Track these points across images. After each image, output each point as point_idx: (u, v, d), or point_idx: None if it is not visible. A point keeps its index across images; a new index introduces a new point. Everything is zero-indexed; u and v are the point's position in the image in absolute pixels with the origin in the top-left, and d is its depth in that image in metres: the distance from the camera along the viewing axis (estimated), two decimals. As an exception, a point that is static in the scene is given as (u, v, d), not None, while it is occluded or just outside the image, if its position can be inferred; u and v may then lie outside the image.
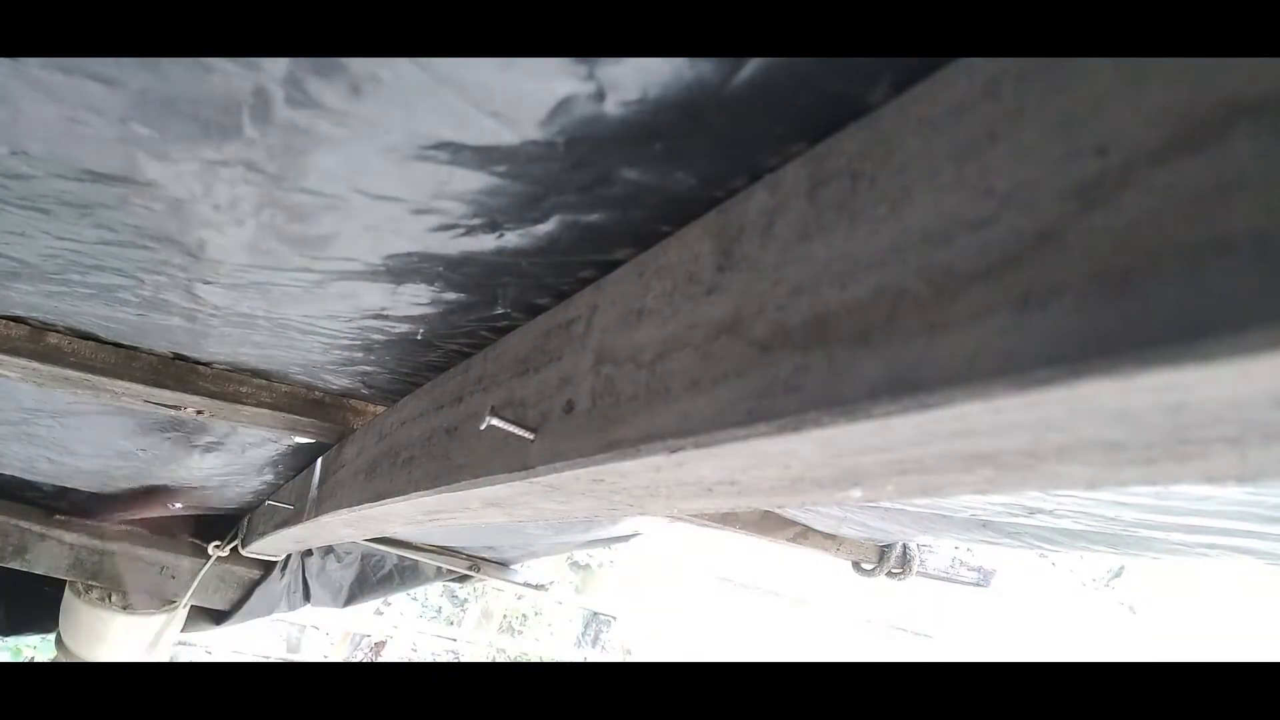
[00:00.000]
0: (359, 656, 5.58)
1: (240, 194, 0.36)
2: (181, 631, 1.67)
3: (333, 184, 0.35)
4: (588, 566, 7.09)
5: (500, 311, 0.48)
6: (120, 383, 0.71)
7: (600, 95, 0.27)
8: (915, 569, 1.29)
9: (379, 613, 5.55)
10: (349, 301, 0.50)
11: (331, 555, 1.60)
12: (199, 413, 0.77)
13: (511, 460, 0.42)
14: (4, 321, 0.67)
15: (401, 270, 0.44)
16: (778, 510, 1.16)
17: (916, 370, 0.21)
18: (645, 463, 0.32)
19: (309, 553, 1.57)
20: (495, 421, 0.42)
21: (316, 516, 0.85)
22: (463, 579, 1.67)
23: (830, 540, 1.24)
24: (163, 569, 1.55)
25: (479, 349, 0.55)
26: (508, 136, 0.30)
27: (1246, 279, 0.14)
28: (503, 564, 1.64)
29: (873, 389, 0.22)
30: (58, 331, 0.68)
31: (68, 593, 1.56)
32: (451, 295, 0.47)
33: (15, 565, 1.48)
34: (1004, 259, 0.19)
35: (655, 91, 0.27)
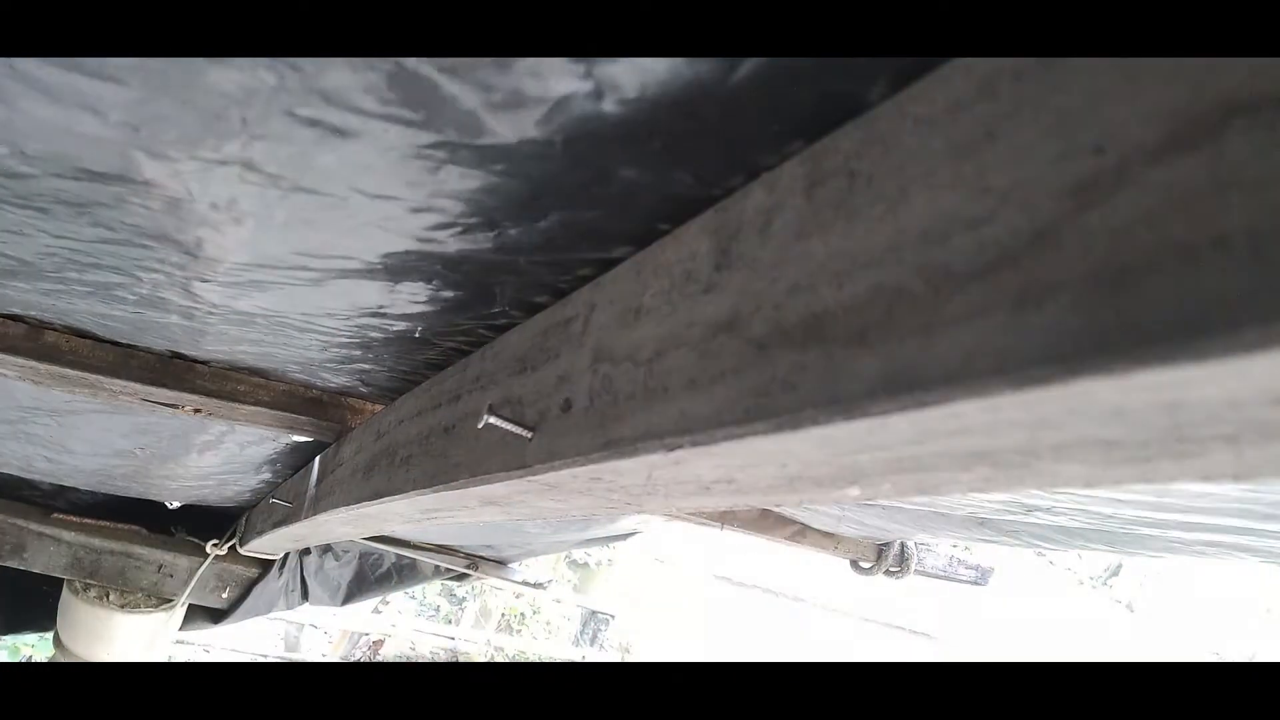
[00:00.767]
0: (357, 655, 5.58)
1: (238, 193, 0.36)
2: (179, 630, 1.67)
3: (331, 183, 0.35)
4: (586, 565, 7.09)
5: (498, 310, 0.48)
6: (118, 381, 0.71)
7: (598, 94, 0.27)
8: (913, 567, 1.30)
9: (377, 611, 5.55)
10: (347, 300, 0.50)
11: (330, 554, 1.60)
12: (196, 411, 0.77)
13: (509, 459, 0.42)
14: (1, 320, 0.67)
15: (399, 269, 0.44)
16: (776, 509, 1.16)
17: (913, 369, 0.21)
18: (643, 461, 0.32)
19: (307, 551, 1.57)
20: (493, 420, 0.42)
21: (314, 515, 0.85)
22: (461, 577, 1.67)
23: (828, 539, 1.24)
24: (160, 567, 1.55)
25: (477, 347, 0.55)
26: (506, 135, 0.30)
27: (1242, 277, 0.14)
28: (501, 562, 1.64)
29: (870, 388, 0.22)
30: (55, 330, 0.68)
31: (65, 591, 1.56)
32: (449, 293, 0.47)
33: (13, 564, 1.48)
34: (1001, 258, 0.19)
35: (653, 90, 0.27)
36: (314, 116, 0.30)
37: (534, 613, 6.62)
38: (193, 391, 0.73)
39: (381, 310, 0.51)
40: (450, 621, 6.20)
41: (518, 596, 6.27)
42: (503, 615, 6.55)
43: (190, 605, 1.60)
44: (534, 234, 0.38)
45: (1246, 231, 0.15)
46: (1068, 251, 0.18)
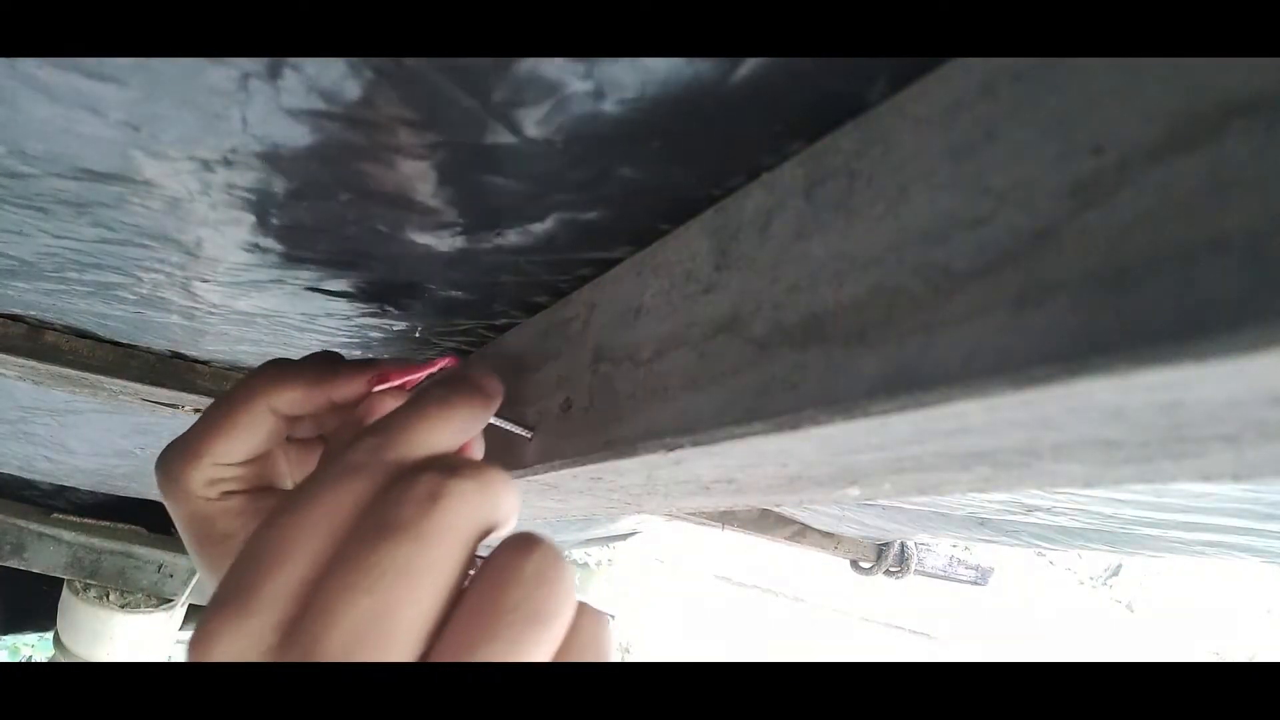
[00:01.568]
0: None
1: (237, 193, 0.36)
2: (179, 630, 1.67)
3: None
4: (586, 565, 7.09)
5: (498, 310, 0.48)
6: (118, 381, 0.71)
7: (599, 94, 0.27)
8: (913, 567, 1.30)
9: (377, 611, 5.53)
10: (346, 300, 0.50)
11: (330, 554, 1.60)
12: (196, 411, 0.77)
13: (509, 459, 0.42)
14: (1, 320, 0.66)
15: (399, 269, 0.44)
16: (776, 508, 1.16)
17: (913, 368, 0.21)
18: (643, 461, 0.32)
19: (307, 551, 1.57)
20: (493, 420, 0.42)
21: (315, 515, 0.85)
22: (461, 577, 1.66)
23: (828, 538, 1.25)
24: (160, 567, 1.55)
25: (477, 347, 0.55)
26: (506, 135, 0.30)
27: (1242, 278, 0.14)
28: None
29: (870, 387, 0.22)
30: (55, 330, 0.68)
31: (65, 591, 1.56)
32: (449, 294, 0.47)
33: (13, 564, 1.48)
34: (1001, 257, 0.19)
35: (653, 90, 0.27)
36: (315, 116, 0.30)
37: (534, 613, 6.60)
38: (193, 391, 0.73)
39: (381, 310, 0.51)
40: (450, 621, 6.17)
41: (518, 596, 6.24)
42: (503, 615, 6.52)
43: (190, 605, 1.59)
44: (534, 233, 0.38)
45: (1246, 232, 0.15)
46: (1068, 251, 0.18)
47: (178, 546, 1.56)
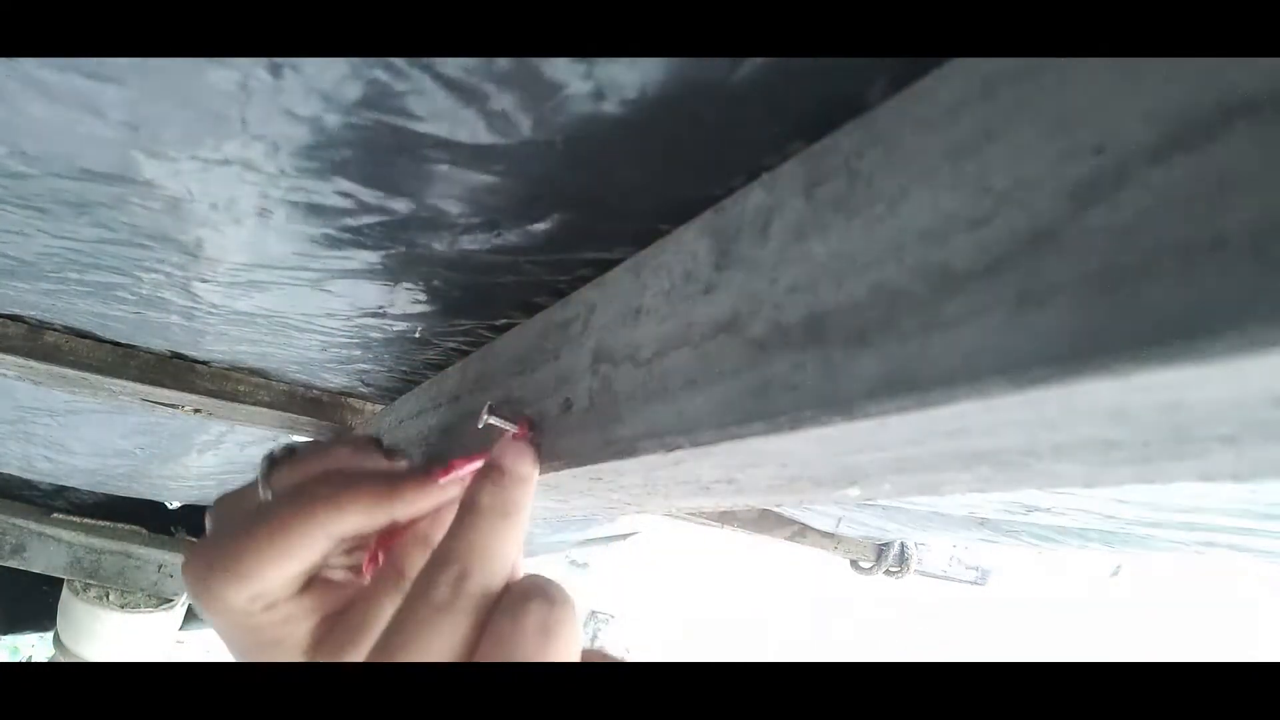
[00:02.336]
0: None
1: (237, 193, 0.36)
2: (179, 630, 1.67)
3: (330, 182, 0.35)
4: (586, 565, 7.09)
5: (498, 310, 0.48)
6: (118, 381, 0.71)
7: (598, 94, 0.27)
8: (913, 567, 1.30)
9: (377, 611, 5.53)
10: (347, 300, 0.50)
11: (330, 554, 1.60)
12: (196, 411, 0.77)
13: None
14: (1, 320, 0.66)
15: (399, 269, 0.44)
16: (776, 509, 1.16)
17: (913, 369, 0.21)
18: (643, 461, 0.32)
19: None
20: (493, 420, 0.42)
21: (314, 515, 0.85)
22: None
23: (828, 539, 1.24)
24: (160, 567, 1.55)
25: (477, 347, 0.55)
26: (506, 135, 0.30)
27: (1242, 278, 0.14)
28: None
29: (870, 388, 0.22)
30: (55, 330, 0.68)
31: (65, 591, 1.56)
32: (449, 294, 0.47)
33: (13, 564, 1.48)
34: (1001, 258, 0.19)
35: (653, 90, 0.27)
36: (314, 117, 0.30)
37: (534, 613, 6.59)
38: (193, 391, 0.73)
39: (382, 310, 0.51)
40: (450, 621, 6.17)
41: (518, 596, 6.24)
42: (503, 615, 6.52)
43: (190, 605, 1.59)
44: (534, 234, 0.38)
45: (1246, 232, 0.15)
46: (1068, 251, 0.18)
47: (178, 546, 1.56)
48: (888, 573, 1.30)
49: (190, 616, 1.67)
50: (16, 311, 0.65)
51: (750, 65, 0.26)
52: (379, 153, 0.32)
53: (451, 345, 0.56)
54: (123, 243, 0.44)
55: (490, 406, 0.44)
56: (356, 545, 0.41)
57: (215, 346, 0.68)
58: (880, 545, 1.29)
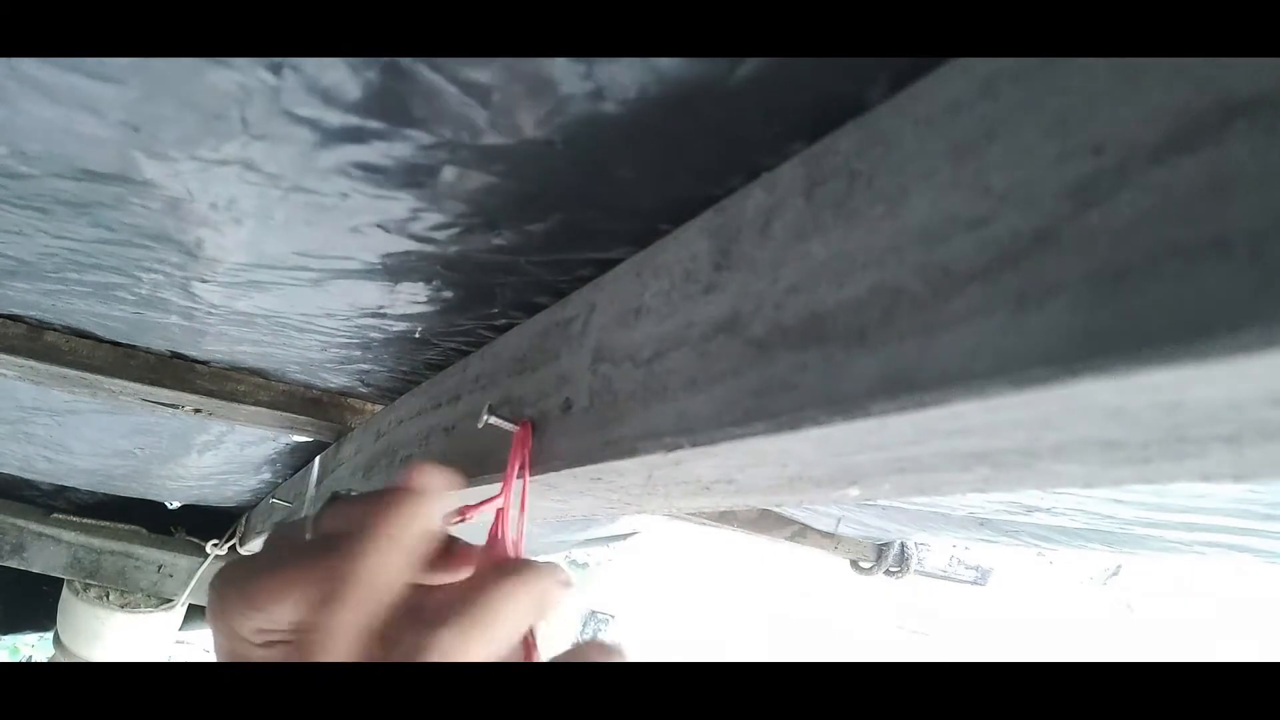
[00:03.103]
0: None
1: (237, 193, 0.36)
2: (179, 630, 1.67)
3: (330, 182, 0.35)
4: (586, 565, 7.09)
5: (498, 310, 0.48)
6: (118, 381, 0.71)
7: (598, 94, 0.27)
8: (913, 567, 1.30)
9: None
10: (346, 300, 0.50)
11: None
12: (196, 411, 0.77)
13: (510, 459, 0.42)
14: (1, 320, 0.67)
15: (399, 269, 0.44)
16: (776, 509, 1.16)
17: (913, 369, 0.21)
18: (642, 461, 0.32)
19: (307, 551, 1.57)
20: (493, 420, 0.42)
21: (314, 515, 0.85)
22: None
23: (828, 539, 1.24)
24: (160, 567, 1.55)
25: (477, 347, 0.55)
26: (505, 135, 0.30)
27: (1242, 278, 0.14)
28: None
29: (870, 388, 0.22)
30: (55, 330, 0.68)
31: (65, 591, 1.56)
32: (449, 294, 0.47)
33: (13, 564, 1.48)
34: (1001, 258, 0.19)
35: (653, 90, 0.27)
36: (314, 117, 0.30)
37: (534, 612, 6.60)
38: (193, 391, 0.73)
39: (381, 310, 0.51)
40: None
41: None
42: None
43: (190, 605, 1.59)
44: (534, 234, 0.38)
45: (1246, 232, 0.15)
46: (1068, 251, 0.18)
47: (177, 546, 1.56)
48: (888, 573, 1.30)
49: (190, 616, 1.67)
50: (16, 311, 0.65)
51: (750, 65, 0.26)
52: (379, 153, 0.32)
53: (451, 345, 0.56)
54: (123, 243, 0.44)
55: (490, 407, 0.44)
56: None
57: (215, 346, 0.68)
58: (880, 545, 1.29)
